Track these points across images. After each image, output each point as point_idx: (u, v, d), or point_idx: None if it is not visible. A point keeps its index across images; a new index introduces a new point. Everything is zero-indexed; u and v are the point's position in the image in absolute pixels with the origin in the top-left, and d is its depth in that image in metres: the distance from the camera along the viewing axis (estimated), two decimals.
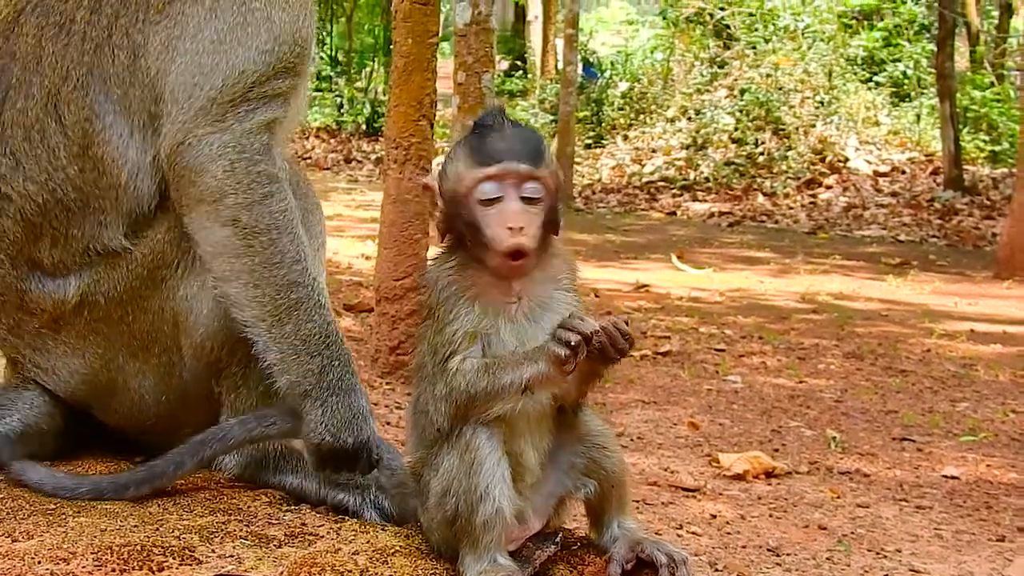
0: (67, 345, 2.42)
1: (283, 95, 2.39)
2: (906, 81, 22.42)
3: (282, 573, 1.90)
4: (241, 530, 2.10)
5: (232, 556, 1.98)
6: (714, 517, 4.21)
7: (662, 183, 21.33)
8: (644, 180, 21.59)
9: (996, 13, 25.81)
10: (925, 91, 21.92)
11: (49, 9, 2.38)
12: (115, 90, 2.33)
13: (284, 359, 2.33)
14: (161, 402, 2.47)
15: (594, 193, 21.29)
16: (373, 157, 23.69)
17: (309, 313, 2.33)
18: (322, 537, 2.10)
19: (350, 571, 1.91)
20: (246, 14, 2.36)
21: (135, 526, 2.08)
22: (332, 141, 26.56)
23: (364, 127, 27.18)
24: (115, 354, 2.43)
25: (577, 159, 21.27)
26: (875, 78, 22.35)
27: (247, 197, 2.29)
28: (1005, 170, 19.66)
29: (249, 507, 2.24)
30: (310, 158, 23.46)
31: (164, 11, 2.35)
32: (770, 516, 4.27)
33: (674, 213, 19.57)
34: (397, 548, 2.01)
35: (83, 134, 2.32)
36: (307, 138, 25.89)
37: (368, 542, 2.04)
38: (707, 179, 20.87)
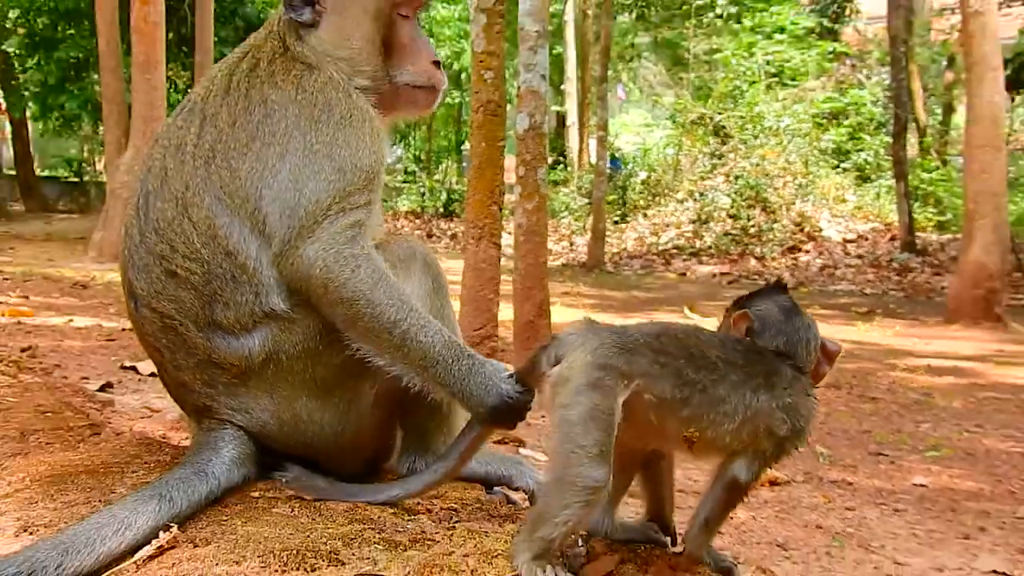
0: (257, 391, 2.38)
1: (360, 206, 2.38)
2: (868, 166, 22.31)
3: (409, 573, 1.88)
4: (375, 536, 2.08)
5: (368, 558, 1.97)
6: (731, 518, 4.15)
7: (674, 250, 21.30)
8: (660, 248, 21.58)
9: (940, 111, 25.68)
10: (883, 174, 21.78)
11: (171, 135, 2.43)
12: (225, 199, 2.34)
13: (427, 380, 2.33)
14: (339, 434, 2.44)
15: (621, 259, 21.27)
16: (449, 233, 23.92)
17: (415, 336, 2.31)
18: (438, 542, 2.07)
19: (463, 571, 1.89)
20: (310, 155, 2.35)
21: (291, 534, 2.06)
22: (417, 221, 26.96)
23: (442, 210, 27.51)
24: (299, 397, 2.40)
25: (608, 232, 21.31)
26: (842, 165, 22.28)
27: (341, 279, 2.28)
28: (949, 236, 19.45)
29: (379, 517, 2.21)
30: (400, 235, 23.77)
31: (248, 146, 2.36)
32: (776, 517, 4.20)
33: (684, 274, 19.49)
34: (499, 551, 1.97)
35: (207, 227, 2.33)
36: (397, 219, 26.22)
37: (476, 546, 2.01)
38: (710, 247, 20.84)
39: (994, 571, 3.62)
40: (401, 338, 2.30)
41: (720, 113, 22.56)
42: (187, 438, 2.94)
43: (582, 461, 1.87)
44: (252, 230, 2.33)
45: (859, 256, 19.56)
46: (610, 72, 22.70)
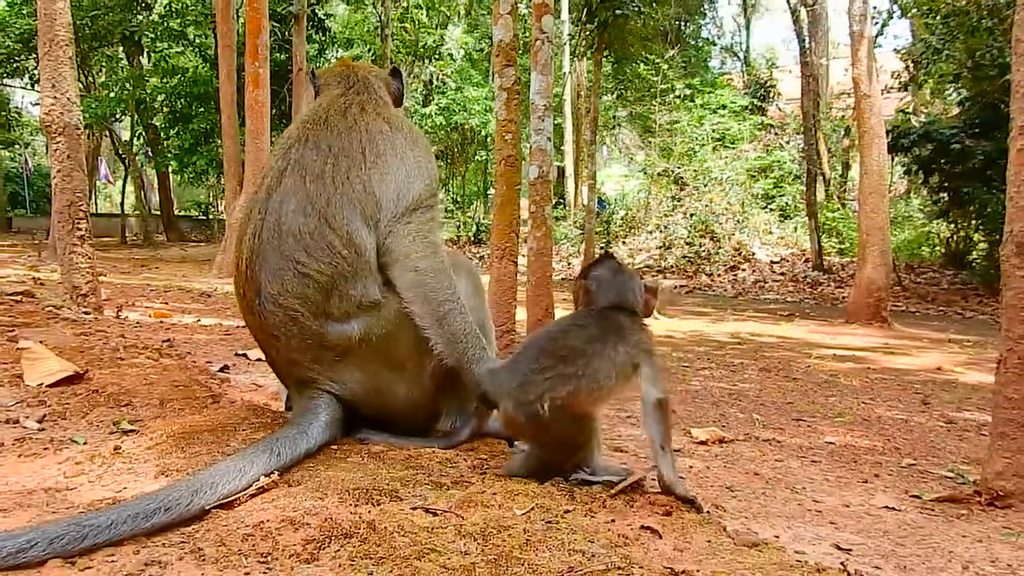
0: (352, 366, 2.35)
1: (434, 207, 2.46)
2: (788, 207, 22.21)
3: (452, 506, 1.86)
4: (425, 479, 2.06)
5: (420, 495, 1.95)
6: (691, 468, 4.07)
7: (645, 268, 21.20)
8: (635, 266, 21.50)
9: (840, 168, 25.59)
10: (799, 213, 21.66)
11: (305, 167, 2.38)
12: (357, 206, 2.33)
13: (447, 346, 2.33)
14: (409, 399, 2.42)
15: None
16: (478, 255, 23.87)
17: (454, 317, 2.32)
18: (473, 483, 2.05)
19: (492, 505, 1.87)
20: (415, 163, 2.45)
21: (361, 477, 2.04)
22: (454, 247, 26.79)
23: (473, 238, 27.46)
24: (381, 371, 2.37)
25: (596, 255, 21.25)
26: (769, 206, 22.19)
27: (422, 253, 2.33)
28: (848, 259, 19.38)
29: (428, 465, 2.18)
30: (455, 251, 23.76)
31: (375, 162, 2.39)
32: (724, 467, 4.11)
33: None
34: (519, 491, 1.95)
35: (346, 233, 2.30)
36: None
37: (502, 487, 1.98)
38: (672, 266, 20.75)
39: (886, 506, 3.54)
40: (445, 313, 2.32)
41: (679, 167, 22.49)
42: (281, 407, 2.91)
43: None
44: (371, 228, 2.35)
45: (782, 273, 19.45)
46: (597, 137, 22.69)
